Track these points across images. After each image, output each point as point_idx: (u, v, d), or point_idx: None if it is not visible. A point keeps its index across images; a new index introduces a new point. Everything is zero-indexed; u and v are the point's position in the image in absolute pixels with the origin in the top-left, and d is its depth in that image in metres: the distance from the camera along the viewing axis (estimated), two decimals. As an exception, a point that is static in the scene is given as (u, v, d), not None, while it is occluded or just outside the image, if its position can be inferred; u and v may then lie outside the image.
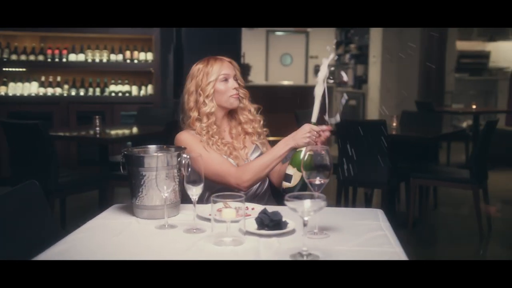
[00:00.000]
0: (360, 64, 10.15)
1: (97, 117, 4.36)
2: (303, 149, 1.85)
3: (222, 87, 2.19)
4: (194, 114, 2.20)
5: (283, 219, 1.64)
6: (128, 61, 6.20)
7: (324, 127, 2.01)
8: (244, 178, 2.08)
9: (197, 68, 2.24)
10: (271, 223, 1.62)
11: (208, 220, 1.75)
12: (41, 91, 6.11)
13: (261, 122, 2.34)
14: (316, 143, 2.00)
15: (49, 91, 6.12)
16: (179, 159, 1.78)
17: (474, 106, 7.03)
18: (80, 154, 6.07)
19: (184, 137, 2.18)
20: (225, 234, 1.56)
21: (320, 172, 1.61)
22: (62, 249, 1.51)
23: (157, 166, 1.76)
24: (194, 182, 1.67)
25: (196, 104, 2.21)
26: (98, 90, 6.21)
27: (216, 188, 2.04)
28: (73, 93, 6.16)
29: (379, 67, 9.49)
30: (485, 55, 11.27)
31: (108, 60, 6.19)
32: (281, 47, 11.27)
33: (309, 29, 11.36)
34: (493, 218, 4.36)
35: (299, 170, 1.91)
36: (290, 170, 1.97)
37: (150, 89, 6.24)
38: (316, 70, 11.56)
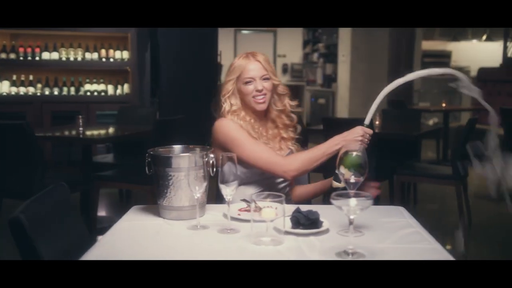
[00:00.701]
0: (329, 63, 10.26)
1: (80, 117, 4.26)
2: (354, 152, 1.82)
3: (243, 88, 2.14)
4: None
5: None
6: (104, 59, 6.09)
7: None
8: (292, 166, 2.03)
9: (231, 63, 2.20)
10: (307, 222, 1.63)
11: (237, 220, 1.76)
12: (13, 90, 5.95)
13: (298, 129, 2.28)
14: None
15: (22, 90, 5.95)
16: (206, 158, 1.77)
17: (443, 105, 7.21)
18: (54, 155, 5.93)
19: (226, 122, 2.14)
20: (264, 234, 1.56)
21: (355, 171, 1.63)
22: (102, 252, 1.48)
23: (188, 166, 1.75)
24: (229, 182, 1.66)
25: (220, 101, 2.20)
26: (72, 89, 6.09)
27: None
28: (46, 92, 6.01)
29: (348, 66, 9.63)
30: (447, 55, 11.60)
31: (83, 58, 6.07)
32: (249, 46, 11.25)
33: (277, 28, 11.41)
34: (472, 213, 4.49)
35: (350, 171, 1.89)
36: (342, 170, 1.95)
37: (126, 88, 6.15)
38: (284, 69, 11.66)
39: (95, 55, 6.08)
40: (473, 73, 10.56)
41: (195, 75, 6.23)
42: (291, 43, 11.58)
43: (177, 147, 1.93)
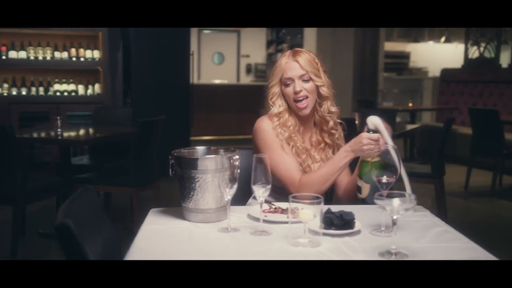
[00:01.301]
0: (294, 63, 10.33)
1: (58, 117, 4.15)
2: (369, 158, 1.86)
3: (284, 91, 2.12)
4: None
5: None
6: (74, 59, 5.95)
7: (377, 135, 1.89)
8: (305, 190, 1.98)
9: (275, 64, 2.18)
10: (341, 222, 1.64)
11: (269, 222, 1.75)
12: (-22, 90, 5.73)
13: (342, 134, 2.23)
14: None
15: (-13, 90, 5.74)
16: (231, 160, 1.76)
17: (410, 104, 7.39)
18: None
19: (265, 127, 2.11)
20: (301, 235, 1.56)
21: (387, 171, 1.65)
22: (144, 256, 1.45)
23: (216, 168, 1.73)
24: (262, 184, 1.65)
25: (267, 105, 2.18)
26: (41, 89, 5.91)
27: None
28: (14, 92, 5.82)
29: (314, 66, 9.70)
30: (406, 56, 11.89)
31: (52, 57, 5.90)
32: (213, 46, 11.24)
33: (240, 28, 11.41)
34: (447, 210, 4.62)
35: (366, 182, 1.91)
36: (359, 182, 1.95)
37: (98, 88, 6.02)
38: (248, 69, 11.67)
39: (64, 54, 5.93)
40: (431, 73, 10.88)
41: (167, 75, 6.16)
42: (254, 43, 11.61)
43: (200, 149, 1.90)
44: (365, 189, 1.93)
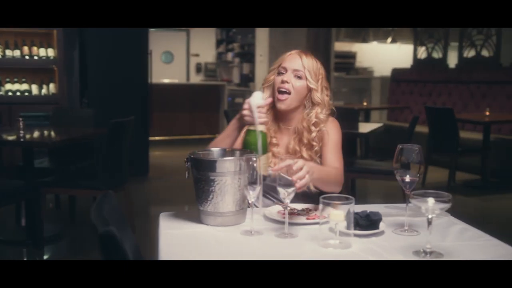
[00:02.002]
0: (246, 63, 10.32)
1: (20, 119, 3.96)
2: (253, 127, 1.86)
3: (276, 78, 2.06)
4: None
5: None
6: (27, 57, 5.68)
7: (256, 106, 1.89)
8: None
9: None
10: (366, 223, 1.64)
11: (277, 222, 1.74)
12: None
13: (316, 148, 2.07)
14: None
15: None
16: (250, 162, 1.72)
17: (365, 103, 7.54)
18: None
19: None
20: (331, 236, 1.55)
21: (408, 169, 1.66)
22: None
23: (236, 170, 1.69)
24: (286, 185, 1.63)
25: None
26: (-8, 89, 5.62)
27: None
28: (-39, 92, 5.50)
29: (266, 66, 9.74)
30: (352, 56, 12.14)
31: (3, 56, 5.62)
32: (162, 45, 11.04)
33: (190, 28, 11.28)
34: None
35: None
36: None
37: (52, 88, 5.78)
38: (198, 68, 11.55)
39: (16, 52, 5.65)
40: (377, 73, 11.15)
41: (125, 75, 6.02)
42: (204, 42, 11.50)
43: (216, 150, 1.86)
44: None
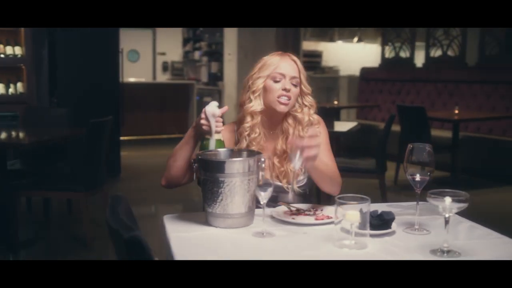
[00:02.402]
0: (214, 62, 10.26)
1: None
2: (208, 136, 1.85)
3: (270, 86, 1.98)
4: (243, 109, 2.02)
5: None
6: (-7, 55, 5.49)
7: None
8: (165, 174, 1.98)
9: (262, 59, 2.04)
10: (378, 222, 1.63)
11: (286, 223, 1.72)
12: None
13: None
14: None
15: None
16: (259, 163, 1.70)
17: (336, 102, 7.59)
18: None
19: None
20: (347, 237, 1.54)
21: (420, 169, 1.67)
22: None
23: (246, 171, 1.66)
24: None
25: (245, 99, 2.03)
26: (-45, 88, 5.40)
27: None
28: None
29: (235, 65, 9.71)
30: (319, 55, 12.23)
31: (-33, 53, 5.41)
32: (128, 44, 10.85)
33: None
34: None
35: None
36: None
37: (20, 87, 5.59)
38: (165, 67, 11.42)
39: (-18, 51, 5.46)
40: (343, 72, 11.27)
41: (96, 74, 5.89)
42: (170, 41, 11.38)
43: (223, 151, 1.82)
44: None
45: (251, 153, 1.80)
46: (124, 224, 1.23)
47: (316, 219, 1.76)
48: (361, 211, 1.51)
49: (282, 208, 1.88)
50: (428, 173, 1.67)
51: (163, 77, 11.29)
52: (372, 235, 1.60)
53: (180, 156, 1.92)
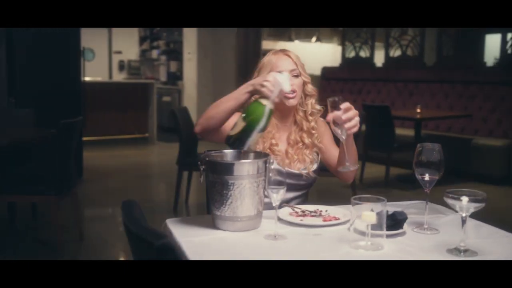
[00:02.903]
0: (173, 61, 10.13)
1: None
2: (264, 101, 1.75)
3: None
4: None
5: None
6: None
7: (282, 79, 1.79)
8: (199, 119, 1.92)
9: (259, 62, 2.10)
10: (391, 222, 1.63)
11: (295, 224, 1.70)
12: None
13: (315, 135, 2.12)
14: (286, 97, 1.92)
15: None
16: (267, 164, 1.67)
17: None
18: None
19: None
20: (362, 238, 1.52)
21: (428, 168, 1.67)
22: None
23: (256, 173, 1.63)
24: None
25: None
26: None
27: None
28: None
29: (195, 64, 9.63)
30: (276, 54, 12.26)
31: None
32: (83, 42, 10.54)
33: (111, 23, 10.91)
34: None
35: (243, 119, 1.75)
36: (238, 118, 1.79)
37: (-24, 86, 5.35)
38: (121, 66, 11.19)
39: None
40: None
41: (57, 73, 5.69)
42: (126, 40, 11.17)
43: (228, 152, 1.77)
44: (238, 126, 1.75)
45: (258, 155, 1.76)
46: (149, 230, 1.17)
47: (324, 220, 1.74)
48: (378, 212, 1.50)
49: (286, 209, 1.86)
50: (433, 174, 1.66)
51: (119, 76, 11.07)
52: (387, 236, 1.60)
53: (225, 107, 1.86)
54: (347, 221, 1.72)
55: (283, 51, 2.11)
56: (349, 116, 1.73)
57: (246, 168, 1.62)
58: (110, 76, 11.03)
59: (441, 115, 6.66)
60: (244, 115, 1.76)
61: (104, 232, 4.20)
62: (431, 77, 7.35)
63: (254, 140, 1.78)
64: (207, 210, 2.24)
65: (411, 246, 1.54)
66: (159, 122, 9.05)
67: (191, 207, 4.99)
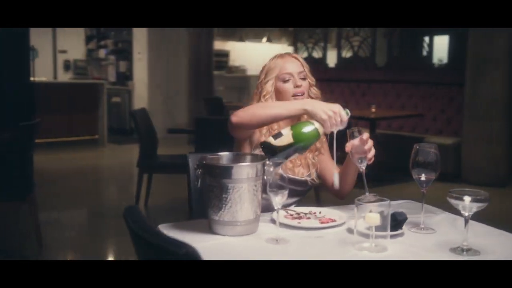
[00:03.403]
0: (122, 61, 9.89)
1: None
2: (315, 123, 1.70)
3: (282, 87, 2.02)
4: None
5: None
6: None
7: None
8: (239, 111, 1.85)
9: (264, 65, 2.08)
10: (392, 223, 1.62)
11: (293, 227, 1.68)
12: None
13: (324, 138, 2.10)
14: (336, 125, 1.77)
15: None
16: (265, 167, 1.63)
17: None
18: None
19: None
20: (366, 240, 1.51)
21: (425, 168, 1.68)
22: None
23: (255, 176, 1.59)
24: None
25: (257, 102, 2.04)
26: None
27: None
28: None
29: (145, 64, 9.44)
30: (226, 54, 12.24)
31: None
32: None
33: (56, 21, 10.52)
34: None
35: (293, 136, 1.67)
36: (285, 131, 1.70)
37: None
38: (67, 65, 10.82)
39: None
40: (249, 72, 11.36)
41: (3, 73, 5.43)
42: (72, 38, 10.80)
43: (224, 155, 1.72)
44: (285, 140, 1.67)
45: (255, 158, 1.72)
46: (166, 237, 1.11)
47: (321, 222, 1.72)
48: (382, 213, 1.49)
49: (281, 212, 1.82)
50: (429, 174, 1.67)
51: (65, 77, 10.70)
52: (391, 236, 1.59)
53: (273, 113, 1.82)
54: (344, 223, 1.71)
55: (290, 54, 2.12)
56: (370, 146, 1.79)
57: (245, 171, 1.58)
58: (55, 76, 10.64)
59: (395, 114, 6.80)
60: (294, 131, 1.69)
61: (61, 237, 4.06)
62: (383, 78, 7.51)
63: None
64: (190, 214, 2.18)
65: (414, 246, 1.54)
66: (108, 124, 8.81)
67: (150, 210, 4.87)
